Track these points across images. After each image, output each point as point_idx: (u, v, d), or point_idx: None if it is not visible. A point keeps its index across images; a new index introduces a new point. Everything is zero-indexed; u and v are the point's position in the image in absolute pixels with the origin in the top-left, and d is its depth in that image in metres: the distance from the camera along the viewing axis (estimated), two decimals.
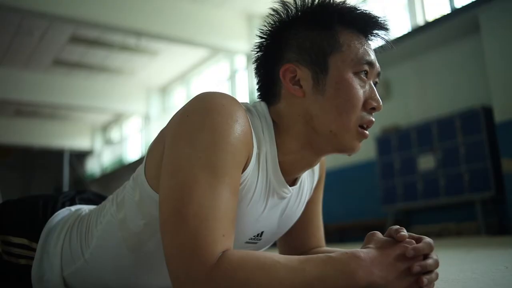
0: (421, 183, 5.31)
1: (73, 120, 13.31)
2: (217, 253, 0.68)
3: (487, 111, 4.78)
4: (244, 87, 8.85)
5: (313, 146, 0.88)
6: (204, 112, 0.77)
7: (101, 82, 10.62)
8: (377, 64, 0.89)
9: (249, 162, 0.81)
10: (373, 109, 0.86)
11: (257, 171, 0.84)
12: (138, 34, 7.36)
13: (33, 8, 6.34)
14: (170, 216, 0.71)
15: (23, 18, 7.50)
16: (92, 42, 8.67)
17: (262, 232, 0.94)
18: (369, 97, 0.85)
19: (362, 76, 0.85)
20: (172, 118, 0.83)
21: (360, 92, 0.84)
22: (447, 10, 5.33)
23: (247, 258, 0.68)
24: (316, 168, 1.08)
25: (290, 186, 0.92)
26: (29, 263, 1.01)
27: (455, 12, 5.01)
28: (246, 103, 0.90)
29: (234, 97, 0.83)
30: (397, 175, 5.56)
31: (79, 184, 14.69)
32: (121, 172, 12.57)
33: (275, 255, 0.71)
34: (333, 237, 6.39)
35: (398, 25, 6.08)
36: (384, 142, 5.79)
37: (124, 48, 8.85)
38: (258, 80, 0.94)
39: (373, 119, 0.87)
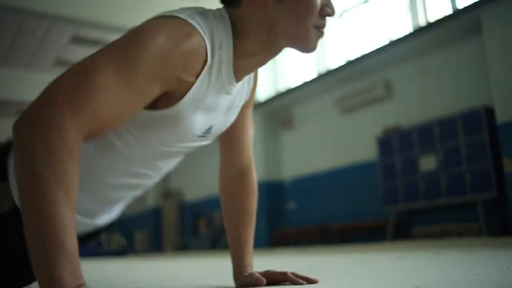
0: (422, 184, 5.30)
1: None
2: (64, 124, 0.69)
3: (489, 112, 4.77)
4: None
5: (273, 47, 0.95)
6: (159, 27, 0.80)
7: None
8: None
9: (200, 75, 0.85)
10: (328, 15, 0.93)
11: (208, 80, 0.88)
12: None
13: (35, 9, 6.36)
14: (70, 70, 0.75)
15: (25, 19, 7.51)
16: (93, 43, 8.68)
17: (211, 127, 0.99)
18: (325, 4, 0.92)
19: None
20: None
21: (318, 1, 0.91)
22: (449, 11, 5.33)
23: (58, 152, 0.67)
24: (251, 76, 1.12)
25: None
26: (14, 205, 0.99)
27: (457, 13, 5.00)
28: (204, 8, 0.93)
29: (194, 13, 0.86)
30: (399, 176, 5.55)
31: None
32: None
33: (76, 188, 0.69)
34: (334, 237, 6.38)
35: (400, 25, 6.07)
36: (385, 142, 5.78)
37: None
38: None
39: (326, 23, 0.95)
